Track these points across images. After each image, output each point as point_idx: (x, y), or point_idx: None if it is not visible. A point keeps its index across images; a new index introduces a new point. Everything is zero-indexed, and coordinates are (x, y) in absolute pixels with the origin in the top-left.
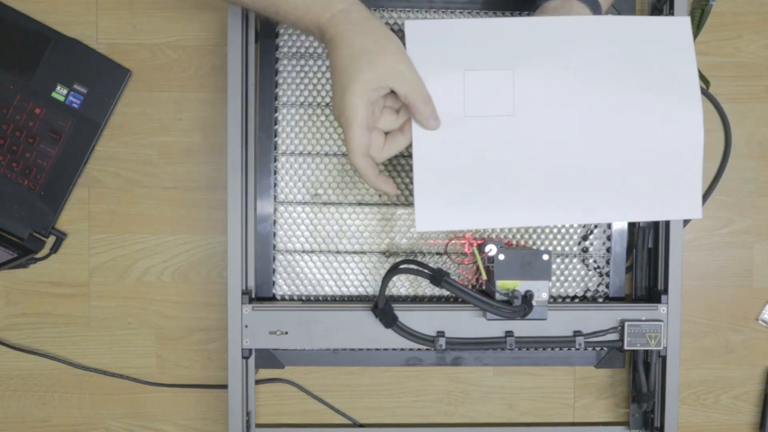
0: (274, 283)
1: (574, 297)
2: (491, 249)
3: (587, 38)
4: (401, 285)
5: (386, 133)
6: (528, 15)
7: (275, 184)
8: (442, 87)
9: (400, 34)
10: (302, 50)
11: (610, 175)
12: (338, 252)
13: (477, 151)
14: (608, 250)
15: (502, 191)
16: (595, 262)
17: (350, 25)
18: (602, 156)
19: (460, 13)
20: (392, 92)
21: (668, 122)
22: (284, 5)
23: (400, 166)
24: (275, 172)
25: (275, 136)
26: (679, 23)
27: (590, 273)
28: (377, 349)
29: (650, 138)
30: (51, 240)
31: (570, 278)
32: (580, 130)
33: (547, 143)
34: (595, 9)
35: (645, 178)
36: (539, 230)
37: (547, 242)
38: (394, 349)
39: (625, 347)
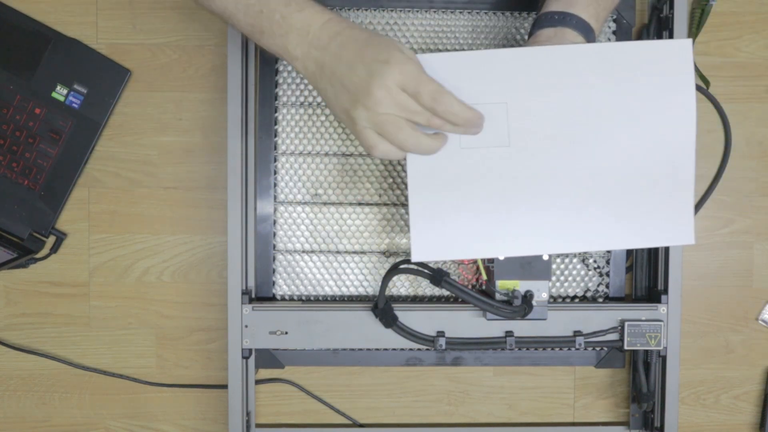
0: (274, 283)
1: (574, 297)
2: None
3: (581, 67)
4: (401, 285)
5: None
6: (524, 42)
7: (275, 184)
8: None
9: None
10: None
11: (604, 204)
12: (338, 252)
13: (473, 181)
14: (608, 250)
15: (497, 221)
16: (595, 262)
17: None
18: (597, 185)
19: (460, 13)
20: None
21: (661, 150)
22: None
23: (400, 165)
24: (275, 172)
25: (275, 136)
26: (680, 47)
27: (590, 273)
28: (377, 349)
29: (644, 165)
30: (51, 240)
31: (570, 278)
32: (575, 160)
33: (543, 173)
34: (588, 35)
35: (639, 206)
36: None
37: None
38: (394, 349)
39: (625, 347)
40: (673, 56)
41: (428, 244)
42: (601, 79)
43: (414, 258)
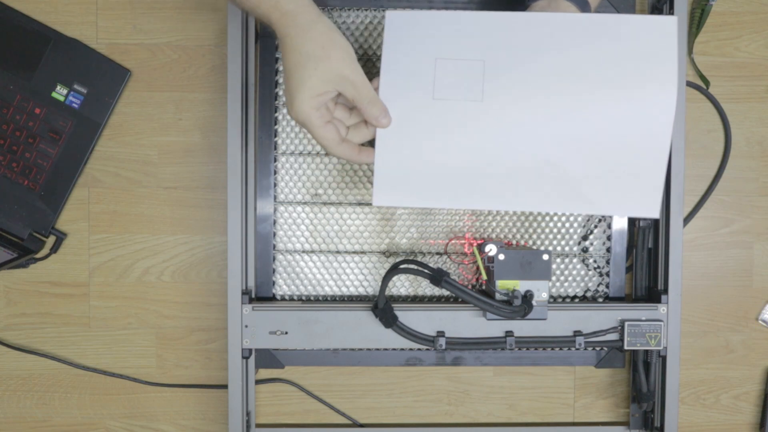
0: (274, 283)
1: (574, 297)
2: (491, 249)
3: (563, 34)
4: (401, 285)
5: (348, 127)
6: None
7: (275, 184)
8: (412, 72)
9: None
10: None
11: (573, 169)
12: (338, 252)
13: (442, 133)
14: (608, 250)
15: (462, 174)
16: (595, 262)
17: (297, 29)
18: (568, 150)
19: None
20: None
21: (639, 122)
22: None
23: None
24: (275, 172)
25: (275, 136)
26: (665, 23)
27: (590, 273)
28: (377, 349)
29: (619, 136)
30: (51, 240)
31: (570, 278)
32: (547, 123)
33: (514, 132)
34: (584, 7)
35: (609, 175)
36: (539, 230)
37: (547, 242)
38: (394, 349)
39: (625, 347)
40: (657, 32)
41: (391, 190)
42: (583, 48)
43: (375, 202)
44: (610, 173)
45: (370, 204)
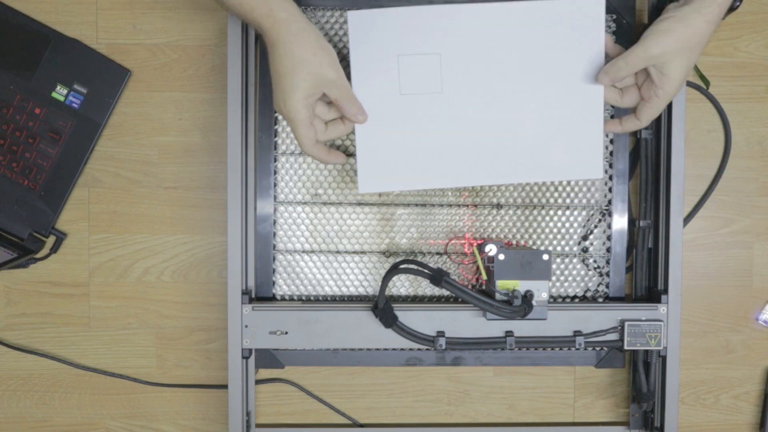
0: (274, 283)
1: (574, 297)
2: (491, 249)
3: (507, 23)
4: (401, 285)
5: (326, 122)
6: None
7: (275, 184)
8: (379, 70)
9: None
10: None
11: (525, 143)
12: (338, 252)
13: (410, 123)
14: (608, 250)
15: (432, 157)
16: (595, 262)
17: (291, 36)
18: (518, 127)
19: None
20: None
21: (574, 96)
22: (231, 0)
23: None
24: (275, 172)
25: (275, 136)
26: (593, 5)
27: (590, 273)
28: (377, 349)
29: (560, 110)
30: (51, 240)
31: (570, 278)
32: (499, 105)
33: (471, 116)
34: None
35: (555, 146)
36: (539, 230)
37: (547, 242)
38: (394, 349)
39: (625, 347)
40: (586, 11)
41: (373, 178)
42: (523, 33)
43: (360, 190)
44: (556, 145)
45: (370, 204)
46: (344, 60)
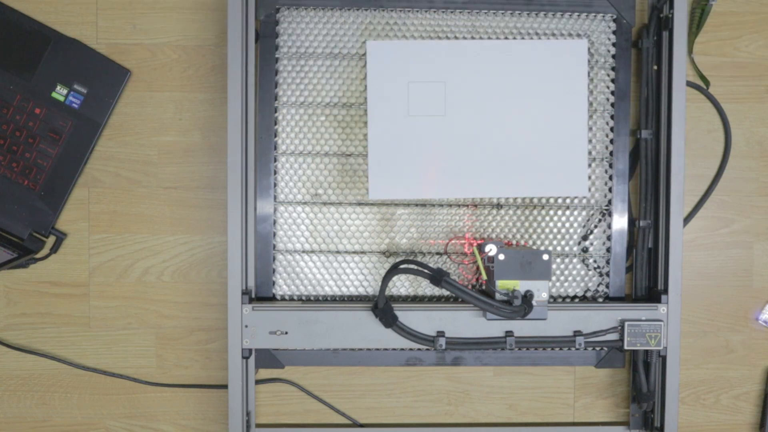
0: (274, 283)
1: (574, 297)
2: (491, 249)
3: (505, 58)
4: (401, 285)
5: None
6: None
7: (275, 184)
8: (391, 94)
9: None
10: (302, 50)
11: (518, 163)
12: (338, 252)
13: (416, 141)
14: (608, 250)
15: (435, 172)
16: (595, 262)
17: None
18: (512, 149)
19: (460, 12)
20: None
21: (561, 124)
22: None
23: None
24: (275, 172)
25: (275, 136)
26: (576, 46)
27: (590, 273)
28: (377, 349)
29: (548, 136)
30: (51, 240)
31: (570, 278)
32: (495, 128)
33: (470, 137)
34: None
35: (544, 166)
36: (539, 230)
37: (547, 242)
38: (394, 349)
39: (625, 347)
40: (571, 53)
41: (382, 187)
42: (518, 67)
43: (371, 196)
44: (545, 166)
45: (370, 204)
46: (362, 84)
